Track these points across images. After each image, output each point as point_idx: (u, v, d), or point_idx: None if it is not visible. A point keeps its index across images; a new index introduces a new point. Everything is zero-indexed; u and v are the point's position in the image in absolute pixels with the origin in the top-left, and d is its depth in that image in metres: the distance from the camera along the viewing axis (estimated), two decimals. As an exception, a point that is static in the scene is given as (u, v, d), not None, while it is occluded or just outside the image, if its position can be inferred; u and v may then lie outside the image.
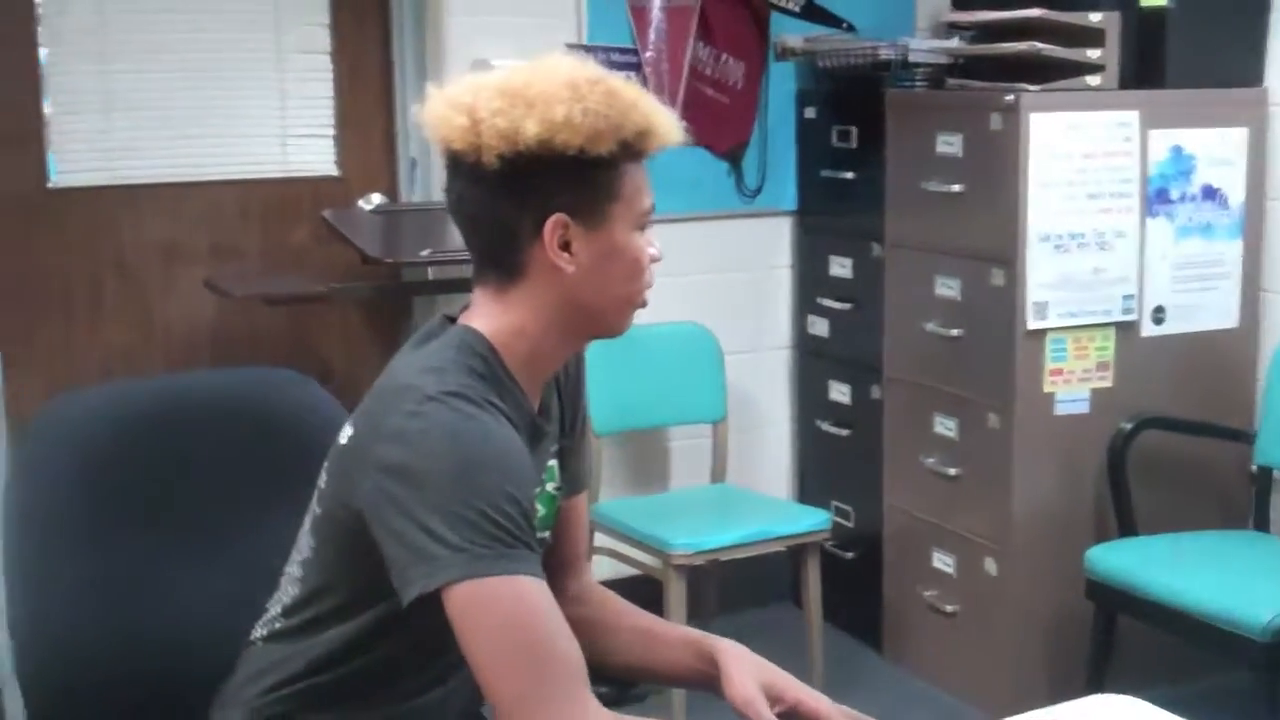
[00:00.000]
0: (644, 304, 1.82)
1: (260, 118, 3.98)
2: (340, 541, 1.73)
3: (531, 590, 1.60)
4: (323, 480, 1.78)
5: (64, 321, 3.84)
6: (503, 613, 1.59)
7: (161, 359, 3.91)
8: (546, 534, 1.88)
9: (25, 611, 1.93)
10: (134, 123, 3.84)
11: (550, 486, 1.88)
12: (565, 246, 1.72)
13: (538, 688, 1.57)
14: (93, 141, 3.82)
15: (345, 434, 1.75)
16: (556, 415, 1.90)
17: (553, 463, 1.89)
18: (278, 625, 1.85)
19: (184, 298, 3.93)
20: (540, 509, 1.82)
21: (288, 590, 1.85)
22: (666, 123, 1.76)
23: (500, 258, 1.75)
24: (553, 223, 1.71)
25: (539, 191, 1.70)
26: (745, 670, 1.82)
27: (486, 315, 1.77)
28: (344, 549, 1.73)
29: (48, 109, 3.77)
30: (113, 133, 3.82)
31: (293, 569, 1.84)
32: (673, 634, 1.96)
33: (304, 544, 1.82)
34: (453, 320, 1.80)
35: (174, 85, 3.86)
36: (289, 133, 4.01)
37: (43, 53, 3.74)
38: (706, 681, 1.87)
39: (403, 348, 1.81)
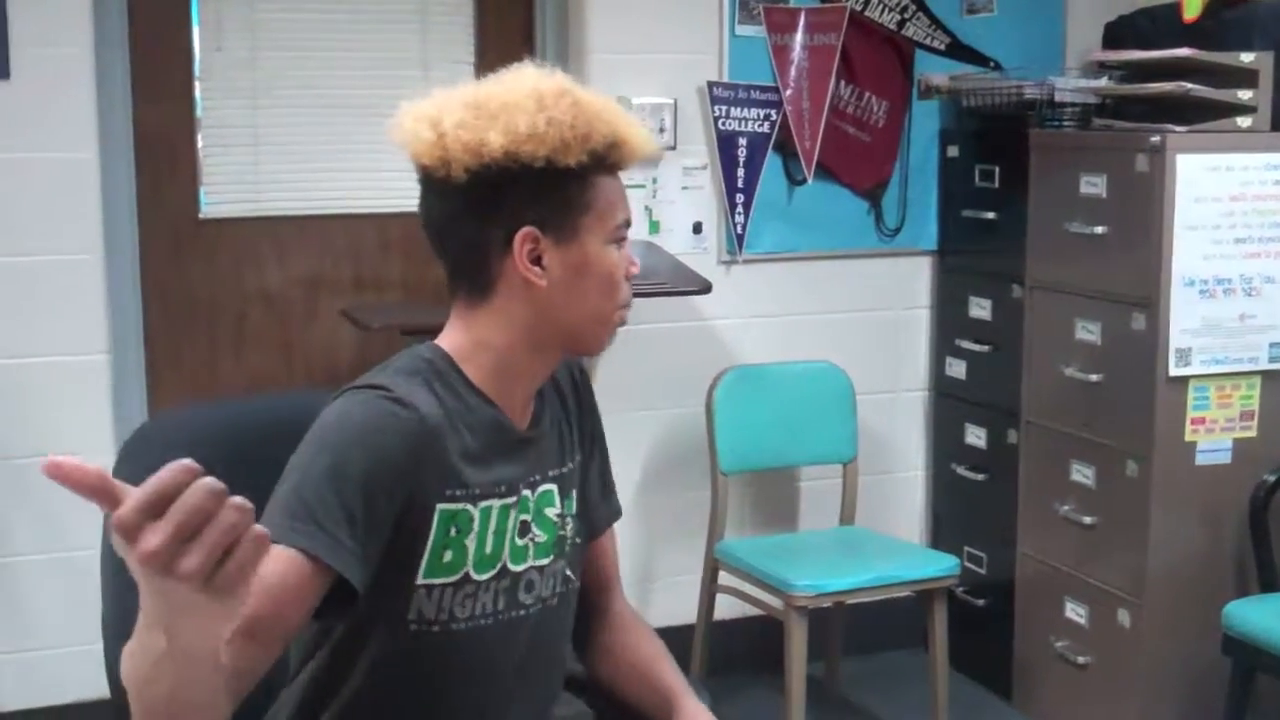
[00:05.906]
0: (623, 322, 1.80)
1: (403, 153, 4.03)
2: None
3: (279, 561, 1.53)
4: None
5: (209, 345, 3.94)
6: None
7: (301, 385, 3.98)
8: (546, 561, 1.83)
9: (115, 618, 1.95)
10: (280, 157, 3.94)
11: (551, 512, 1.83)
12: (536, 260, 1.72)
13: None
14: (241, 175, 3.93)
15: None
16: (558, 437, 1.87)
17: (550, 488, 1.83)
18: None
19: (324, 326, 4.01)
20: (541, 534, 1.81)
21: None
22: (637, 134, 1.75)
23: (471, 272, 1.75)
24: (522, 235, 1.71)
25: (508, 204, 1.71)
26: None
27: (451, 331, 1.78)
28: None
29: (201, 143, 3.89)
30: (260, 166, 3.93)
31: None
32: (659, 681, 1.93)
33: None
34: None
35: (319, 121, 3.95)
36: (431, 168, 4.06)
37: (197, 88, 3.87)
38: None
39: None
